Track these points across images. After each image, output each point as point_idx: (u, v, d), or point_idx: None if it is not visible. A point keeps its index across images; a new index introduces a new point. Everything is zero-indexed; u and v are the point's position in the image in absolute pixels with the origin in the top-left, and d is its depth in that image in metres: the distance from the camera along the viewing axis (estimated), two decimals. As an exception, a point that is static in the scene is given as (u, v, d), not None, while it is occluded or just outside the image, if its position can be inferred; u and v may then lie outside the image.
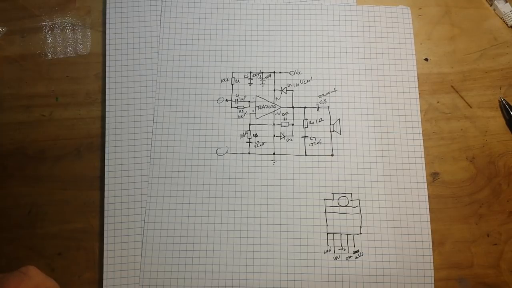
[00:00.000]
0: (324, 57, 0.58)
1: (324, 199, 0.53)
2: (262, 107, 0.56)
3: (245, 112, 0.56)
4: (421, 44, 0.59)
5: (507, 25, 0.59)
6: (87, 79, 0.57)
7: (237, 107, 0.56)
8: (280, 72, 0.57)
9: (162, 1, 0.59)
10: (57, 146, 0.55)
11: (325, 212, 0.53)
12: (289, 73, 0.57)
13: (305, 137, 0.55)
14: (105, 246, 0.51)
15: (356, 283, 0.50)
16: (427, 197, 0.53)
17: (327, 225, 0.52)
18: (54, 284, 0.40)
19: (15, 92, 0.57)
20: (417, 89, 0.57)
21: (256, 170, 0.54)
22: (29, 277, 0.38)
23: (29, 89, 0.57)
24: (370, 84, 0.57)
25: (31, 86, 0.57)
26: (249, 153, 0.54)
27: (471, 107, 0.57)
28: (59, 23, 0.59)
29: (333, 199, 0.53)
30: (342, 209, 0.53)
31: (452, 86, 0.57)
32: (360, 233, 0.52)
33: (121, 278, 0.51)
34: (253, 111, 0.56)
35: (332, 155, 0.54)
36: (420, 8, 0.60)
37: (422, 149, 0.55)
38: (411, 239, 0.52)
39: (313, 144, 0.55)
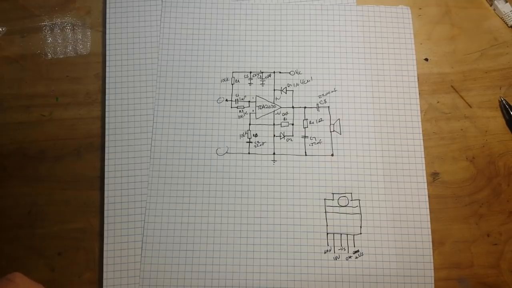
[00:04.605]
0: (324, 57, 0.58)
1: (324, 199, 0.53)
2: (262, 107, 0.56)
3: (245, 112, 0.56)
4: (421, 44, 0.59)
5: (507, 25, 0.59)
6: (87, 79, 0.57)
7: (237, 107, 0.56)
8: (280, 72, 0.57)
9: (162, 1, 0.59)
10: (57, 146, 0.55)
11: (325, 212, 0.53)
12: (289, 73, 0.57)
13: (305, 137, 0.55)
14: (105, 246, 0.51)
15: (356, 283, 0.50)
16: (427, 197, 0.53)
17: (327, 225, 0.52)
18: None
19: (15, 92, 0.57)
20: (417, 89, 0.57)
21: (256, 170, 0.54)
22: (16, 284, 0.37)
23: (29, 89, 0.57)
24: (370, 84, 0.57)
25: (31, 86, 0.57)
26: (249, 153, 0.54)
27: (471, 107, 0.57)
28: (59, 23, 0.59)
29: (333, 199, 0.53)
30: (342, 209, 0.53)
31: (452, 86, 0.57)
32: (360, 233, 0.52)
33: (121, 278, 0.51)
34: (253, 111, 0.56)
35: (332, 155, 0.54)
36: (420, 8, 0.60)
37: (422, 149, 0.55)
38: (411, 239, 0.52)
39: (313, 144, 0.55)
